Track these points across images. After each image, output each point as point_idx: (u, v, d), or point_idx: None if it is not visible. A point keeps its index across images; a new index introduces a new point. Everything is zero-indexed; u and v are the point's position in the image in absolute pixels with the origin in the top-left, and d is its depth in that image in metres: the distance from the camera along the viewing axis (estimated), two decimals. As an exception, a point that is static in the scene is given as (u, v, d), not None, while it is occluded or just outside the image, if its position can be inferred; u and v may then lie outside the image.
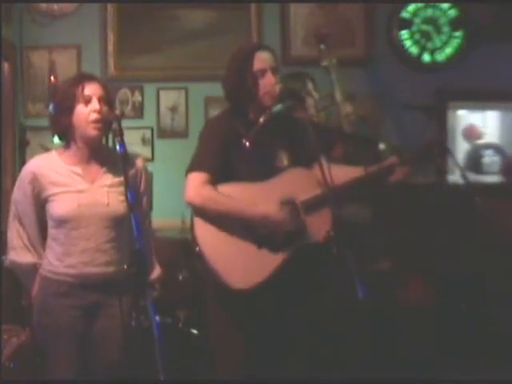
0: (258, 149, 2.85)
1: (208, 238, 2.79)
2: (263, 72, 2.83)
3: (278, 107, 2.82)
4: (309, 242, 2.80)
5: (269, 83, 2.82)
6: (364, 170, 2.89)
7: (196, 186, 2.77)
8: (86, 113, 2.59)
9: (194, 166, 2.81)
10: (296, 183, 2.85)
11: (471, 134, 4.99)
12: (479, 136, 5.02)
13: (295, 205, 2.81)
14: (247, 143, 2.81)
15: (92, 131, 2.60)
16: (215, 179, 2.78)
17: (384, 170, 2.91)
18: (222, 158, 2.81)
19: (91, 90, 2.60)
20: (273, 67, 2.84)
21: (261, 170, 2.85)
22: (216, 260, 2.76)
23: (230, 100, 2.92)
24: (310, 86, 4.10)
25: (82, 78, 2.65)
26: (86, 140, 2.64)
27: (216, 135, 2.87)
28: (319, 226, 2.80)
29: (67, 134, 2.66)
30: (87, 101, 2.59)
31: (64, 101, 2.61)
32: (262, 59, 2.84)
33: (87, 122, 2.59)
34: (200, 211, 2.78)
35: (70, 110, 2.60)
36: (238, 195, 2.79)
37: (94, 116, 2.58)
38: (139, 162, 2.79)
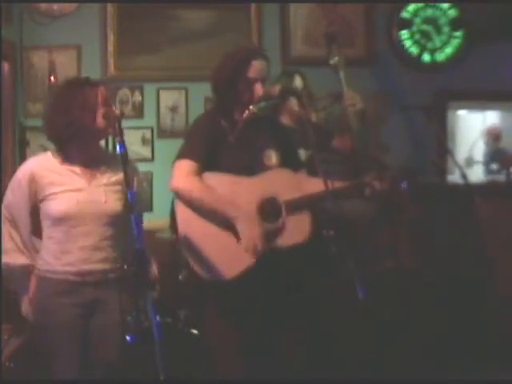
0: (246, 147, 2.89)
1: (188, 224, 2.84)
2: (254, 81, 2.91)
3: (262, 104, 2.88)
4: (284, 245, 2.82)
5: (256, 93, 2.90)
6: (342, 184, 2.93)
7: (183, 173, 2.84)
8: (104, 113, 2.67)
9: (180, 155, 2.89)
10: (280, 183, 2.89)
11: (491, 134, 4.95)
12: (499, 137, 4.99)
13: (279, 203, 2.83)
14: (233, 140, 2.86)
15: (109, 129, 2.67)
16: (201, 169, 2.84)
17: (365, 183, 2.95)
18: (208, 150, 2.87)
19: (105, 92, 2.72)
20: (263, 79, 2.92)
21: (248, 167, 2.89)
22: (193, 247, 2.80)
23: (218, 98, 2.98)
24: (298, 82, 4.09)
25: (98, 83, 2.75)
26: (99, 138, 2.77)
27: (203, 130, 2.94)
28: (297, 229, 2.85)
29: (70, 136, 2.68)
30: (105, 102, 2.69)
31: (87, 102, 2.66)
32: (256, 69, 2.92)
33: (104, 122, 2.66)
34: (184, 199, 2.84)
35: (94, 111, 2.65)
36: (222, 187, 2.84)
37: (109, 115, 2.65)
38: (136, 170, 2.88)
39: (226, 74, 2.91)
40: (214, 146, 2.87)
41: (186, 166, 2.83)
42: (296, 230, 2.86)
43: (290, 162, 3.00)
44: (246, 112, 2.88)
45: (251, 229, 2.78)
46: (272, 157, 2.96)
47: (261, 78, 2.91)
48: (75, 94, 2.67)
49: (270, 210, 2.85)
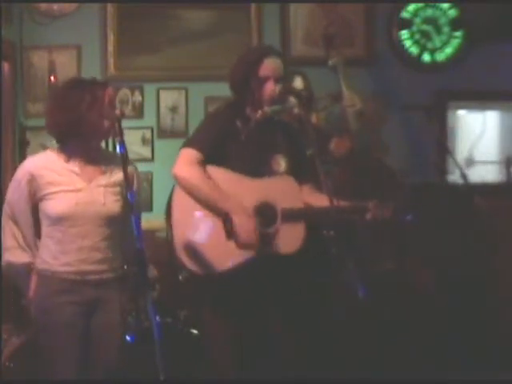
0: (256, 148, 2.89)
1: (182, 214, 2.85)
2: (266, 79, 2.90)
3: (277, 107, 2.87)
4: (275, 252, 2.83)
5: (269, 91, 2.89)
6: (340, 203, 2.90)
7: (186, 161, 2.85)
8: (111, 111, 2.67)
9: (188, 143, 2.91)
10: (282, 190, 2.87)
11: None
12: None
13: (275, 210, 2.83)
14: (244, 138, 2.86)
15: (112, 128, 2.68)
16: (206, 161, 2.85)
17: (359, 209, 2.91)
18: (216, 145, 2.87)
19: (112, 91, 2.77)
20: (276, 76, 2.91)
21: (255, 168, 2.89)
22: (183, 238, 2.81)
23: (234, 94, 3.00)
24: (298, 83, 4.10)
25: (105, 83, 2.77)
26: (102, 136, 2.77)
27: (215, 123, 2.96)
28: (290, 239, 2.84)
29: (73, 133, 2.69)
30: (112, 101, 2.74)
31: (94, 101, 2.66)
32: (268, 67, 2.91)
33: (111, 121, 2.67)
34: (183, 186, 2.85)
35: (100, 109, 2.66)
36: (223, 182, 2.84)
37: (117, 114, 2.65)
38: (130, 165, 2.82)
39: (240, 73, 2.92)
40: (223, 141, 2.88)
41: (189, 155, 2.85)
42: (287, 239, 2.84)
43: (299, 171, 2.97)
44: (259, 112, 2.88)
45: (246, 223, 2.77)
46: (281, 162, 2.95)
47: (274, 76, 2.89)
48: (84, 93, 2.67)
49: (265, 214, 2.84)
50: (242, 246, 2.78)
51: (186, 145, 2.89)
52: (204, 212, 2.84)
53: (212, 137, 2.88)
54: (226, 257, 2.79)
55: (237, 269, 2.78)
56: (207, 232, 2.83)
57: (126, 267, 2.72)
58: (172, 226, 2.85)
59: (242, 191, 2.84)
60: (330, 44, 4.13)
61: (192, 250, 2.79)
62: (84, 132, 2.67)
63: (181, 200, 2.86)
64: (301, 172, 2.97)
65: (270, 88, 2.88)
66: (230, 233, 2.79)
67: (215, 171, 2.86)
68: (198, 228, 2.83)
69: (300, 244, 2.85)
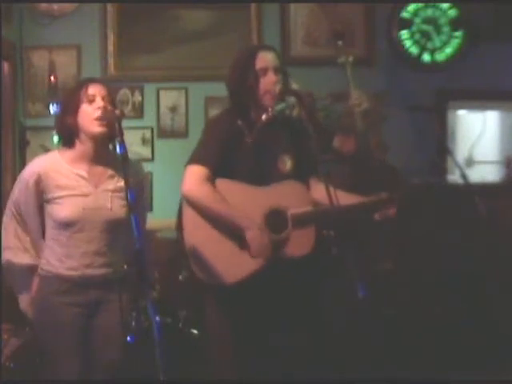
0: (261, 150, 2.86)
1: (194, 228, 2.83)
2: (265, 71, 2.85)
3: (281, 106, 2.84)
4: (287, 257, 2.83)
5: (270, 82, 2.84)
6: (355, 199, 2.90)
7: (194, 180, 2.80)
8: (91, 111, 2.62)
9: (193, 160, 2.84)
10: (290, 196, 2.86)
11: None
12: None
13: (286, 215, 2.82)
14: (250, 141, 2.83)
15: (96, 128, 2.61)
16: (214, 175, 2.81)
17: (374, 203, 2.91)
18: (222, 155, 2.83)
19: (94, 89, 2.65)
20: (275, 67, 2.86)
21: (262, 171, 2.87)
22: (197, 250, 2.80)
23: (233, 99, 2.94)
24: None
25: (86, 80, 2.71)
26: (92, 138, 2.65)
27: (218, 132, 2.89)
28: (302, 242, 2.84)
29: (72, 136, 2.67)
30: (91, 100, 2.62)
31: (69, 102, 2.66)
32: (264, 58, 2.87)
33: (91, 120, 2.61)
34: (194, 206, 2.82)
35: (75, 110, 2.63)
36: (232, 194, 2.82)
37: (99, 113, 2.60)
38: (142, 171, 2.88)
39: (237, 72, 2.87)
40: (229, 148, 2.84)
41: (197, 172, 2.79)
42: (299, 242, 2.85)
43: (304, 167, 2.96)
44: (265, 114, 2.84)
45: (261, 239, 2.76)
46: (286, 162, 2.93)
47: (271, 66, 2.85)
48: (66, 95, 2.71)
49: (276, 221, 2.82)
50: (256, 257, 2.79)
51: (192, 161, 2.83)
52: (215, 225, 2.83)
53: (216, 148, 2.83)
54: (239, 267, 2.79)
55: (248, 277, 2.78)
56: (220, 244, 2.82)
57: (125, 267, 2.71)
58: (184, 238, 2.83)
59: (250, 201, 2.81)
60: (339, 40, 4.10)
61: (205, 261, 2.79)
62: (70, 134, 2.66)
63: (192, 213, 2.83)
64: (306, 167, 2.95)
65: (271, 79, 2.84)
66: (245, 246, 2.79)
67: (223, 184, 2.83)
68: (210, 240, 2.82)
69: (312, 245, 2.85)
